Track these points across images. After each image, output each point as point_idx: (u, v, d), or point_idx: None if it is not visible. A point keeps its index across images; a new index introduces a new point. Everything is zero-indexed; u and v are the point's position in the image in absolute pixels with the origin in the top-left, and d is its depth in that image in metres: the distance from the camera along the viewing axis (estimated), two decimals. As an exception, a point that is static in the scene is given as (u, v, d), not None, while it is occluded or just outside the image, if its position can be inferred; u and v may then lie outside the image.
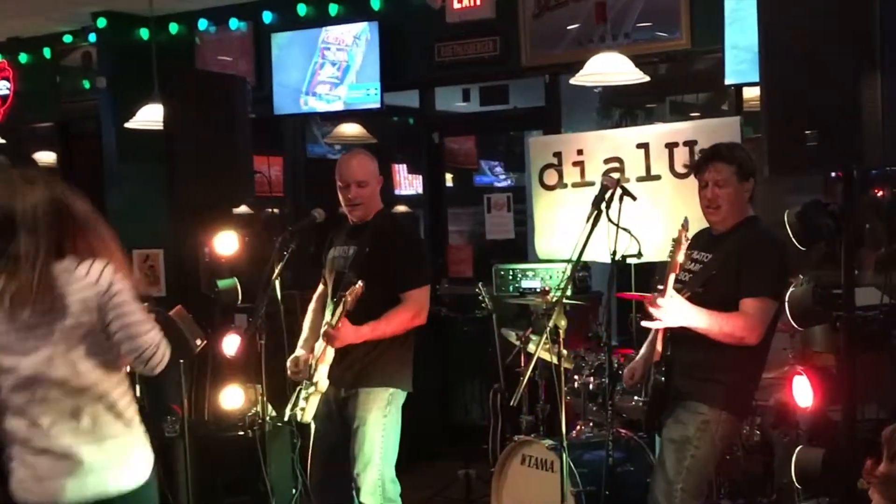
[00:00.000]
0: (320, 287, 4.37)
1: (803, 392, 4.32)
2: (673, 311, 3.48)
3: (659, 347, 3.62)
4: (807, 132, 3.53)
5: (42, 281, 2.70)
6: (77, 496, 2.76)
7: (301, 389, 4.14)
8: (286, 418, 4.21)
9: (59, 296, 2.72)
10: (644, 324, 3.66)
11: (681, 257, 3.50)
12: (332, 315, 3.96)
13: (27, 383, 2.76)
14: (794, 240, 4.29)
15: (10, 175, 2.80)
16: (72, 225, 2.79)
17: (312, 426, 4.19)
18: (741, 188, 3.68)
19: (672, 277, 3.49)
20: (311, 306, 4.40)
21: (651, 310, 3.53)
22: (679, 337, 3.58)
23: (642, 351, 3.99)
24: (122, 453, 2.85)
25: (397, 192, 8.88)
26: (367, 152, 4.41)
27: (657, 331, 3.67)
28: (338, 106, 6.89)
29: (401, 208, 8.65)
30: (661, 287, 3.55)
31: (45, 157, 8.47)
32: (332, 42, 6.83)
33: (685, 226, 3.50)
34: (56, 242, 2.75)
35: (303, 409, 4.10)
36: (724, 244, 3.68)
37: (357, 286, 3.84)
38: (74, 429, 2.78)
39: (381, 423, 4.04)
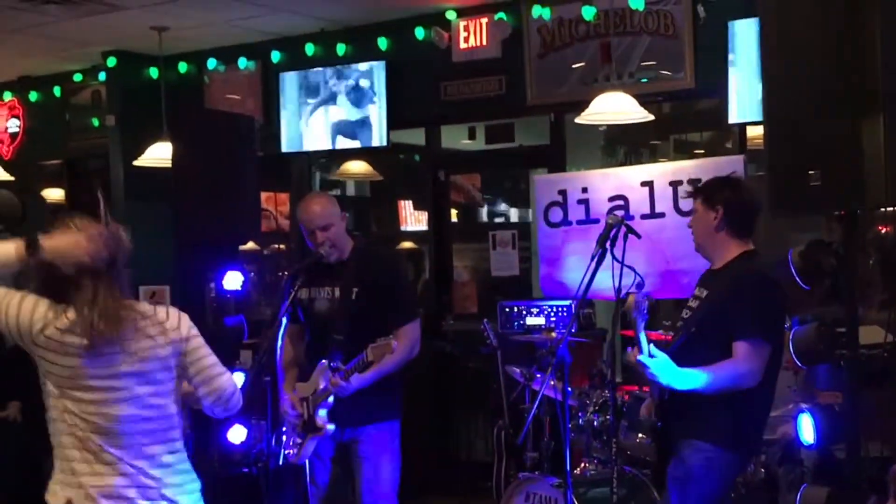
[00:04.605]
0: (284, 321, 4.25)
1: (808, 430, 4.31)
2: (654, 372, 3.43)
3: (654, 392, 3.58)
4: (810, 172, 3.54)
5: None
6: None
7: (289, 431, 4.13)
8: (280, 462, 4.21)
9: None
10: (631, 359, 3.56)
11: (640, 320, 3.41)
12: (342, 363, 3.91)
13: None
14: (797, 279, 4.32)
15: (67, 223, 2.76)
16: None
17: (307, 466, 4.20)
18: (707, 216, 3.65)
19: (644, 337, 3.42)
20: (282, 344, 4.30)
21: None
22: None
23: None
24: None
25: (403, 228, 8.90)
26: (324, 194, 4.38)
27: None
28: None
29: (406, 245, 8.68)
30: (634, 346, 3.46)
31: (53, 194, 8.51)
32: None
33: (638, 285, 3.49)
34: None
35: (296, 451, 4.09)
36: (718, 281, 3.64)
37: (388, 343, 3.78)
38: None
39: (393, 457, 4.12)
